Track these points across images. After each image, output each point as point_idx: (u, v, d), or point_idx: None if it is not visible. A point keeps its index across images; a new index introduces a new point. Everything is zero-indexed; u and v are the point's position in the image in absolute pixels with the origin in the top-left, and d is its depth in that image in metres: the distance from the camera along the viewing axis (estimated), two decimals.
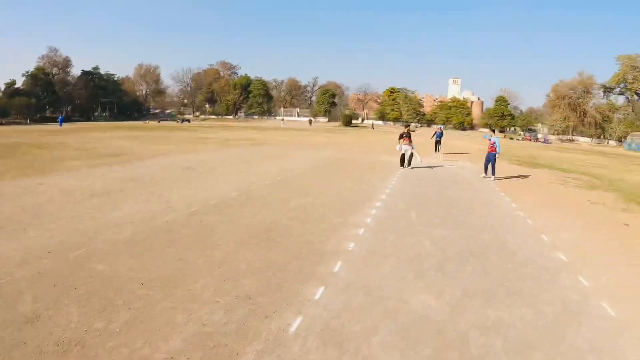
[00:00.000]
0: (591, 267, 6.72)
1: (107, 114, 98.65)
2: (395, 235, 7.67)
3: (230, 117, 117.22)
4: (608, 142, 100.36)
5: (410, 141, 18.17)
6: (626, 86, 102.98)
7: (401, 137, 18.26)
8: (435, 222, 8.95)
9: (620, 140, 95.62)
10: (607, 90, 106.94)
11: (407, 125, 20.60)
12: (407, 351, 3.89)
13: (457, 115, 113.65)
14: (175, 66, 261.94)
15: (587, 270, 6.52)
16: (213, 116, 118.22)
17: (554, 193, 14.41)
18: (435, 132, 28.58)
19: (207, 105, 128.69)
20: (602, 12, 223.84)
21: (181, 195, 10.04)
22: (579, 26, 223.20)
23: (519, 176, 18.73)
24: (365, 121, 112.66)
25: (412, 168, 18.19)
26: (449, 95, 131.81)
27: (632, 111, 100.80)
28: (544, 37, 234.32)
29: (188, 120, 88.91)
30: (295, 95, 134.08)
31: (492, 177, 16.42)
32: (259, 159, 18.76)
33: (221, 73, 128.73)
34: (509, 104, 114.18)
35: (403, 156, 18.07)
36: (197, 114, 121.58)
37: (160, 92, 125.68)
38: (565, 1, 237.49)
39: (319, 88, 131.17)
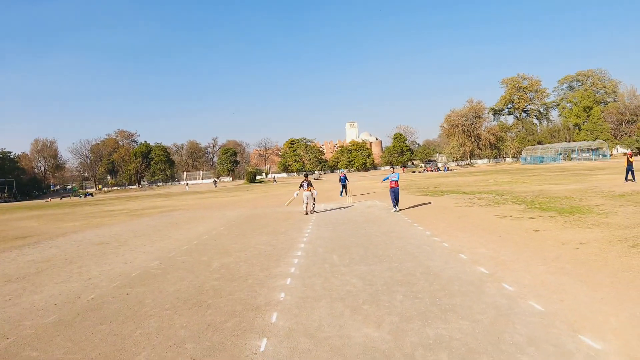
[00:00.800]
0: (511, 274, 7.59)
1: (6, 194, 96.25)
2: (322, 279, 8.04)
3: (134, 186, 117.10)
4: (505, 160, 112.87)
5: (311, 188, 19.98)
6: (513, 106, 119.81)
7: (301, 185, 20.11)
8: (357, 260, 9.47)
9: (515, 156, 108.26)
10: (497, 112, 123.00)
11: (307, 175, 22.15)
12: None
13: (358, 158, 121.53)
14: (73, 139, 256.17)
15: (508, 277, 7.36)
16: (116, 187, 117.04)
17: (463, 215, 15.79)
18: (340, 177, 30.15)
19: (108, 177, 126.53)
20: (483, 43, 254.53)
21: (101, 270, 10.06)
22: (464, 56, 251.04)
23: (427, 205, 20.30)
24: (269, 175, 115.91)
25: (317, 212, 20.19)
26: (348, 139, 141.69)
27: (523, 128, 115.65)
28: (432, 72, 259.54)
29: (91, 194, 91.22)
30: (197, 158, 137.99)
31: (398, 209, 18.92)
32: (171, 225, 18.51)
33: (120, 142, 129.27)
34: (406, 139, 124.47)
35: (306, 204, 19.79)
36: (100, 186, 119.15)
37: (59, 167, 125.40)
38: (446, 41, 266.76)
39: (219, 148, 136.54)
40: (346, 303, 6.53)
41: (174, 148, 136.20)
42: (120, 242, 14.52)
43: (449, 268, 8.31)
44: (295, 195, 20.79)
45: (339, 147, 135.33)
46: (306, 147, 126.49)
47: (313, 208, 20.18)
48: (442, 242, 11.00)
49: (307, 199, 19.71)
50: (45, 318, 6.67)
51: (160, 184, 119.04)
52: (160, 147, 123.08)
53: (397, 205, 19.02)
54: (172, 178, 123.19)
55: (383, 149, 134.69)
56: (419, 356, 4.61)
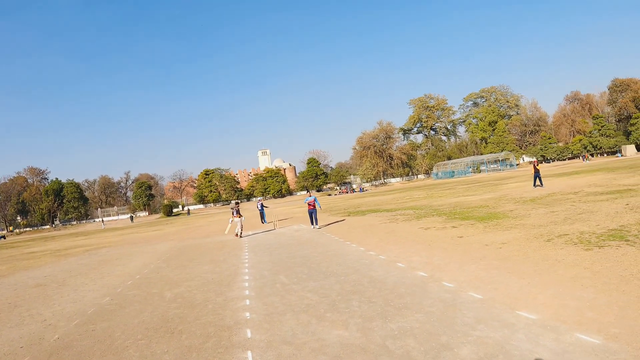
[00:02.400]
0: (448, 274, 8.85)
1: None
2: (279, 297, 8.73)
3: (47, 226, 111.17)
4: (417, 177, 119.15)
5: (240, 215, 22.13)
6: (422, 125, 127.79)
7: (232, 212, 22.37)
8: (304, 278, 10.25)
9: (427, 172, 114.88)
10: (406, 132, 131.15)
11: (237, 203, 24.13)
12: None
13: (273, 185, 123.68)
14: None
15: (446, 277, 8.58)
16: (28, 228, 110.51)
17: (390, 230, 17.12)
18: (257, 205, 31.09)
19: (19, 218, 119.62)
20: (391, 66, 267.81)
21: (53, 311, 9.90)
22: (373, 79, 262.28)
23: (353, 224, 21.50)
24: (185, 207, 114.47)
25: (244, 237, 21.71)
26: (261, 167, 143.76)
27: (432, 145, 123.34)
28: (342, 96, 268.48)
29: (3, 237, 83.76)
30: (110, 194, 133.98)
31: (318, 226, 21.89)
32: (104, 263, 18.01)
33: (30, 180, 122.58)
34: (319, 163, 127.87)
35: (240, 228, 21.76)
36: (11, 228, 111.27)
37: None
38: (354, 65, 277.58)
39: (132, 182, 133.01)
40: (310, 314, 7.29)
41: (86, 184, 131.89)
42: (58, 282, 14.07)
43: (391, 276, 9.34)
44: (230, 222, 22.55)
45: (254, 175, 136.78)
46: (221, 177, 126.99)
47: (240, 233, 21.84)
48: (378, 255, 12.08)
49: (238, 224, 21.76)
50: None
51: (75, 223, 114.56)
52: (72, 183, 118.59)
53: (317, 223, 22.02)
54: (86, 216, 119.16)
55: (297, 174, 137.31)
56: (390, 344, 5.52)
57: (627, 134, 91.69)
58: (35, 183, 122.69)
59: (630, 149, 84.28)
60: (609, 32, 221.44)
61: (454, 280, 8.24)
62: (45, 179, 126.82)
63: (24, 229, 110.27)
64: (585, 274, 7.37)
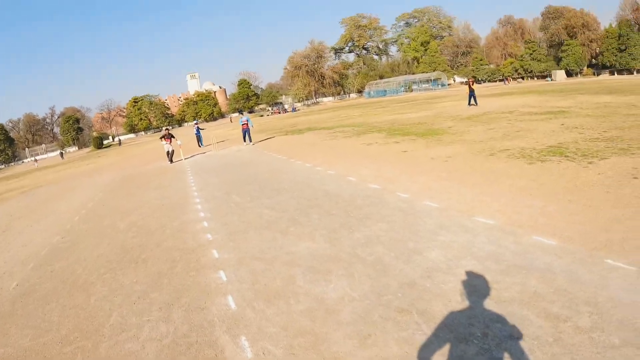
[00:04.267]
0: (400, 185, 9.17)
1: None
2: (236, 216, 8.76)
3: None
4: (349, 96, 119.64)
5: (172, 140, 22.08)
6: (354, 44, 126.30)
7: (162, 137, 22.32)
8: (257, 196, 10.32)
9: (359, 91, 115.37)
10: (338, 51, 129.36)
11: (167, 129, 24.20)
12: (324, 274, 5.13)
13: (205, 108, 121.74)
14: None
15: (399, 188, 8.91)
16: None
17: (332, 147, 17.34)
18: (195, 128, 30.50)
19: None
20: None
21: (4, 258, 9.17)
22: None
23: (294, 143, 21.54)
24: (116, 138, 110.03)
25: (186, 159, 21.70)
26: (191, 91, 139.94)
27: (364, 64, 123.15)
28: (269, 15, 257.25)
29: None
30: (37, 132, 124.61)
31: (251, 143, 23.91)
32: (46, 201, 16.85)
33: None
34: (250, 84, 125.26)
35: (167, 153, 21.83)
36: None
37: None
38: None
39: (59, 117, 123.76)
40: (272, 230, 7.39)
41: (10, 125, 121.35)
42: (1, 228, 13.09)
43: (344, 189, 9.54)
44: (179, 143, 22.11)
45: (184, 100, 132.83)
46: (151, 104, 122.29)
47: (171, 158, 21.82)
48: (327, 170, 12.25)
49: (168, 149, 21.73)
50: None
51: (3, 166, 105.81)
52: None
53: (250, 140, 24.29)
54: (13, 157, 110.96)
55: (228, 96, 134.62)
56: (361, 252, 5.76)
57: (558, 60, 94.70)
58: None
59: (560, 74, 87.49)
60: None
61: (408, 191, 8.54)
62: None
63: None
64: (533, 185, 7.82)
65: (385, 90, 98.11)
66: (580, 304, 3.92)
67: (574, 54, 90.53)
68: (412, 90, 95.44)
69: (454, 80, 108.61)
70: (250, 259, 6.17)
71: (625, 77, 68.69)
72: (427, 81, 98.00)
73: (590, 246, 5.02)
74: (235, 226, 8.00)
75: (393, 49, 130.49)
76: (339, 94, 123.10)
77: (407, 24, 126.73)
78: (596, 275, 4.36)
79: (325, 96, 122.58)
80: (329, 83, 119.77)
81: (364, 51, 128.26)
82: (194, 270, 6.17)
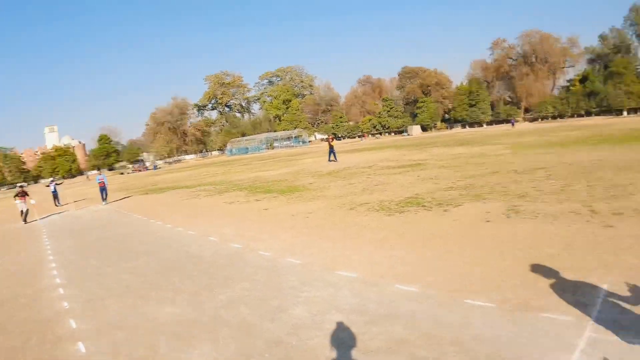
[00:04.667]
0: (261, 244, 9.14)
1: None
2: (94, 282, 8.01)
3: None
4: (211, 154, 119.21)
5: (26, 198, 20.42)
6: (217, 101, 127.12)
7: (16, 195, 20.53)
8: (116, 260, 9.55)
9: (221, 149, 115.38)
10: (201, 108, 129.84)
11: (22, 186, 22.71)
12: (188, 340, 4.81)
13: (63, 164, 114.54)
14: None
15: (260, 246, 8.88)
16: None
17: (193, 206, 16.98)
18: (52, 185, 28.33)
19: None
20: (187, 35, 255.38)
21: None
22: (168, 51, 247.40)
23: (155, 202, 20.67)
24: None
25: (39, 220, 19.97)
26: (49, 145, 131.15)
27: (227, 122, 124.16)
28: (132, 67, 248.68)
29: None
30: None
31: (107, 202, 23.07)
32: None
33: None
34: (111, 140, 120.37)
35: (21, 212, 20.06)
36: None
37: None
38: (150, 34, 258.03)
39: None
40: (133, 295, 6.89)
41: None
42: None
43: (206, 250, 9.27)
44: (32, 202, 20.76)
45: (41, 154, 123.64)
46: (5, 157, 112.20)
47: (25, 217, 20.10)
48: (187, 230, 11.84)
49: (22, 208, 20.09)
50: None
51: None
52: None
53: (106, 200, 23.31)
54: None
55: (88, 152, 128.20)
56: (224, 314, 5.55)
57: (414, 116, 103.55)
58: None
59: (416, 129, 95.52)
60: (399, 26, 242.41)
61: (270, 249, 8.50)
62: None
63: None
64: (392, 236, 8.27)
65: (247, 148, 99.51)
66: (446, 344, 4.13)
67: (429, 110, 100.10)
68: (273, 148, 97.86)
69: (315, 137, 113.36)
70: (111, 328, 5.65)
71: (475, 130, 77.53)
72: (289, 138, 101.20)
73: (450, 289, 5.37)
74: (93, 293, 7.31)
75: (255, 107, 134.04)
76: (201, 151, 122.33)
77: (270, 82, 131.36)
78: (458, 316, 4.66)
79: (188, 154, 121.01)
80: (192, 140, 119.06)
81: (227, 108, 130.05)
82: (49, 343, 5.49)
